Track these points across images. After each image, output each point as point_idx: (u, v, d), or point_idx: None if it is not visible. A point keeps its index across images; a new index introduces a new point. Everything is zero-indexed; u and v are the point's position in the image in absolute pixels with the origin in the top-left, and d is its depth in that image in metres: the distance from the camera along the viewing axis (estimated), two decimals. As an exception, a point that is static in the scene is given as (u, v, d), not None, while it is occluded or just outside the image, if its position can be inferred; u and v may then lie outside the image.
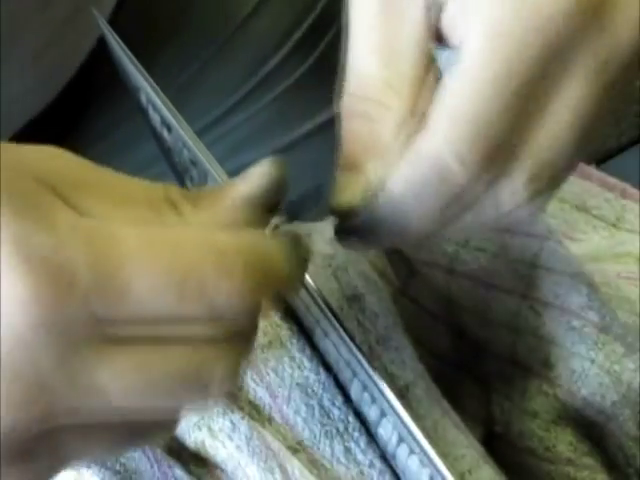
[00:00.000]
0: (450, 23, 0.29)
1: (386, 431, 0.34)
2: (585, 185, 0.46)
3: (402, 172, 0.29)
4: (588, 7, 0.28)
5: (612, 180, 0.47)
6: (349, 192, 0.30)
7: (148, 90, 0.36)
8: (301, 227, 0.38)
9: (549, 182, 0.30)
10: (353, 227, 0.31)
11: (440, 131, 0.29)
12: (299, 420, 0.35)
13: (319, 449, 0.34)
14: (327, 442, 0.35)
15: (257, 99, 0.56)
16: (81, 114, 0.55)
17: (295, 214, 0.32)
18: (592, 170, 0.47)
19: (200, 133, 0.52)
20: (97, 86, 0.54)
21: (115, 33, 0.37)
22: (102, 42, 0.47)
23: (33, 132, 0.52)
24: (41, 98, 0.52)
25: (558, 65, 0.28)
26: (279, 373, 0.35)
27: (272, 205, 0.30)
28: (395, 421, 0.33)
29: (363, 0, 0.30)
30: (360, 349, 0.33)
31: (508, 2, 0.28)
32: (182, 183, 0.39)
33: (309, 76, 0.58)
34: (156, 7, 0.50)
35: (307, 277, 0.34)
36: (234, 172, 0.30)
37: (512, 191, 0.30)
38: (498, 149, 0.29)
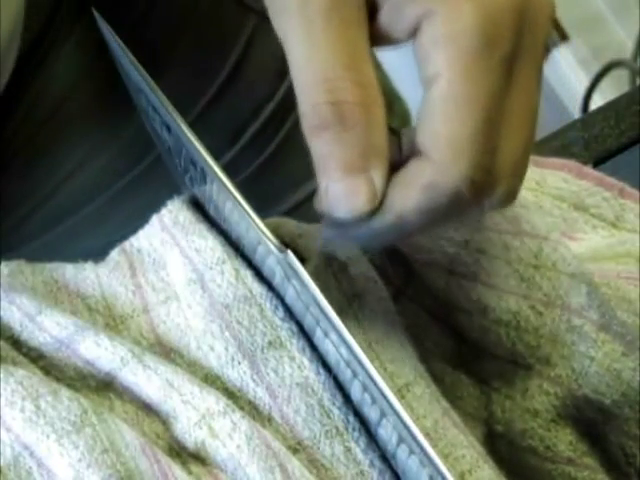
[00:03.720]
0: (422, 53, 0.30)
1: (386, 431, 0.34)
2: (582, 184, 0.46)
3: (413, 199, 0.31)
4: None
5: (609, 179, 0.47)
6: (356, 198, 0.31)
7: (148, 91, 0.36)
8: (301, 227, 0.38)
9: (520, 181, 0.32)
10: (345, 230, 0.32)
11: (450, 163, 0.30)
12: (299, 420, 0.35)
13: (319, 449, 0.34)
14: (327, 442, 0.35)
15: None
16: None
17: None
18: (588, 169, 0.47)
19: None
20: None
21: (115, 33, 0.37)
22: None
23: None
24: None
25: (512, 61, 0.30)
26: (279, 373, 0.35)
27: None
28: (395, 421, 0.33)
29: (301, 16, 0.30)
30: (360, 349, 0.33)
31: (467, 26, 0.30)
32: (182, 183, 0.39)
33: (263, 170, 0.58)
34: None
35: (307, 277, 0.34)
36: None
37: (493, 196, 0.31)
38: (491, 161, 0.30)
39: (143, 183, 0.58)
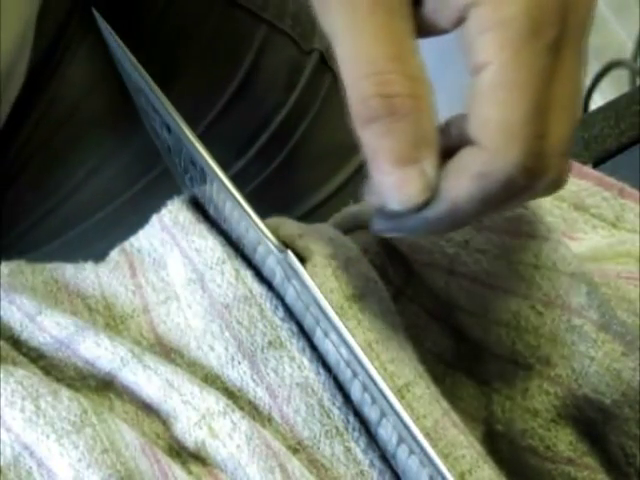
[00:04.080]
0: (469, 41, 0.31)
1: (386, 431, 0.34)
2: (582, 184, 0.46)
3: (467, 188, 0.31)
4: None
5: (609, 179, 0.47)
6: (409, 189, 0.31)
7: (148, 91, 0.36)
8: (301, 227, 0.38)
9: (568, 162, 0.32)
10: (397, 221, 0.32)
11: (502, 151, 0.30)
12: (299, 420, 0.35)
13: (319, 449, 0.34)
14: (327, 442, 0.35)
15: None
16: None
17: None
18: (588, 169, 0.47)
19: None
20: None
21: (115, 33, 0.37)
22: None
23: None
24: None
25: (559, 45, 0.31)
26: (279, 373, 0.35)
27: None
28: (395, 421, 0.33)
29: (346, 10, 0.31)
30: (360, 349, 0.33)
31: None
32: (182, 183, 0.39)
33: (271, 181, 0.59)
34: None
35: (307, 277, 0.34)
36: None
37: (545, 180, 0.31)
38: (542, 145, 0.30)
39: (155, 189, 0.58)
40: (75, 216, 0.58)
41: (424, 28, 0.32)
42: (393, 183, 0.31)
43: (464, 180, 0.31)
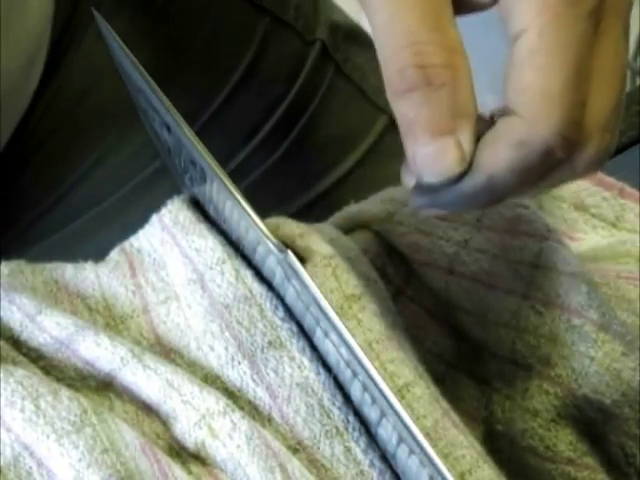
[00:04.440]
0: (507, 9, 0.30)
1: (386, 431, 0.34)
2: (582, 184, 0.46)
3: (504, 158, 0.30)
4: None
5: (609, 179, 0.47)
6: (445, 160, 0.31)
7: (148, 91, 0.36)
8: (301, 227, 0.38)
9: (611, 140, 0.32)
10: (434, 195, 0.32)
11: (541, 118, 0.30)
12: (299, 420, 0.35)
13: (319, 449, 0.34)
14: (327, 442, 0.35)
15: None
16: None
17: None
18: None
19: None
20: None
21: (115, 33, 0.37)
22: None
23: None
24: None
25: (599, 15, 0.30)
26: (279, 373, 0.35)
27: None
28: (395, 421, 0.33)
29: None
30: (360, 349, 0.33)
31: None
32: (182, 183, 0.39)
33: (275, 170, 0.59)
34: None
35: (307, 277, 0.34)
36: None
37: (585, 153, 0.31)
38: (582, 115, 0.30)
39: (161, 177, 0.58)
40: (81, 205, 0.58)
41: (464, 4, 0.32)
42: (429, 154, 0.31)
43: (501, 150, 0.30)
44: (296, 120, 0.60)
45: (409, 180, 0.33)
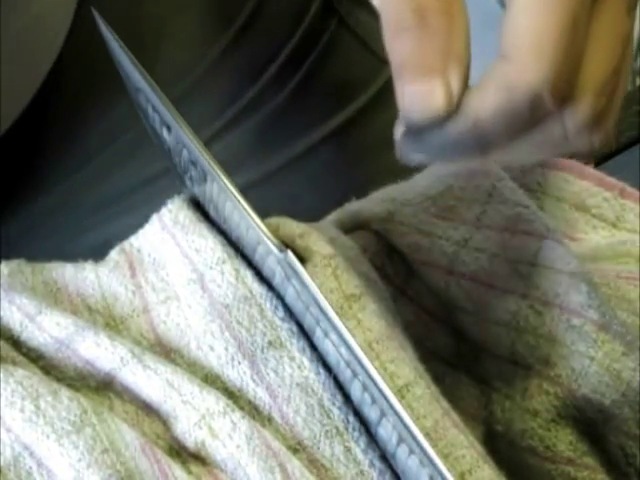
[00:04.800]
0: None
1: (386, 431, 0.34)
2: (583, 184, 0.46)
3: (491, 102, 0.30)
4: None
5: (610, 179, 0.47)
6: (431, 99, 0.30)
7: (148, 90, 0.36)
8: (301, 227, 0.38)
9: (606, 107, 0.31)
10: (421, 140, 0.31)
11: (531, 63, 0.29)
12: (299, 420, 0.35)
13: (319, 449, 0.34)
14: (327, 442, 0.35)
15: (232, 131, 0.56)
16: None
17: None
18: (589, 170, 0.47)
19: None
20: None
21: (115, 33, 0.37)
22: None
23: None
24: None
25: None
26: (279, 373, 0.35)
27: None
28: (395, 421, 0.33)
29: None
30: (360, 349, 0.33)
31: None
32: (182, 183, 0.39)
33: (285, 106, 0.59)
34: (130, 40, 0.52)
35: (307, 277, 0.34)
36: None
37: (575, 112, 0.31)
38: (573, 70, 0.30)
39: (161, 176, 0.58)
40: (81, 205, 0.58)
41: None
42: (416, 92, 0.30)
43: (489, 93, 0.30)
44: (303, 59, 0.59)
45: (399, 129, 0.32)
